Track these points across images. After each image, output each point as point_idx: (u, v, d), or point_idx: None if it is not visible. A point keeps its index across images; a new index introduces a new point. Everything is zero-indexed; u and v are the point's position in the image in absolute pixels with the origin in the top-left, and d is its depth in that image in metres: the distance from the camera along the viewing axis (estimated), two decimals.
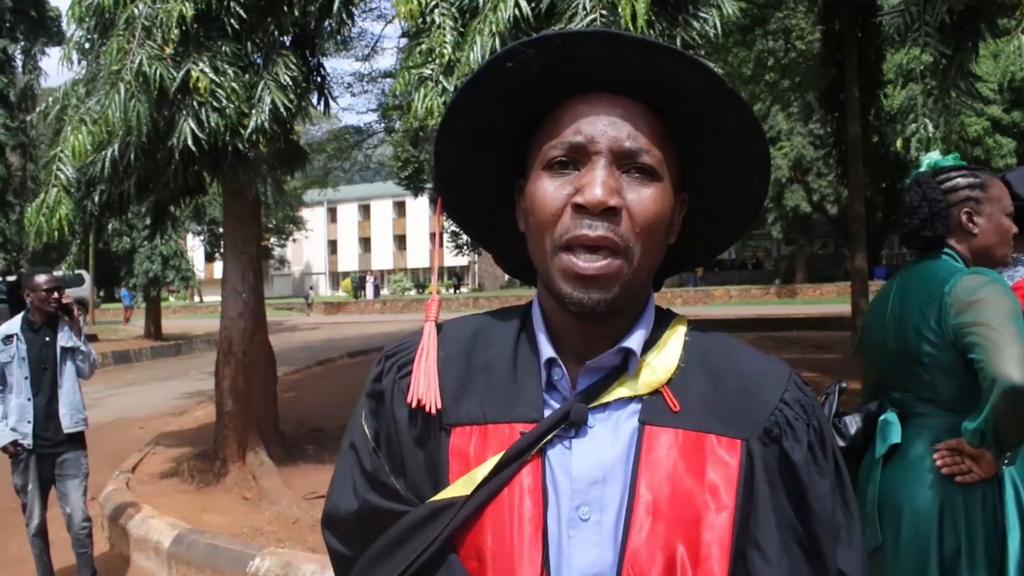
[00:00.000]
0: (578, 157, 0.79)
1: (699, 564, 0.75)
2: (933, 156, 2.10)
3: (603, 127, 0.78)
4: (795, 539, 0.80)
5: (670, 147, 0.82)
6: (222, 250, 7.07)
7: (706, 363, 0.85)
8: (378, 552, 0.82)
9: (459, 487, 0.79)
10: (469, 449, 0.81)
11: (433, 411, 0.82)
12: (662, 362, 0.83)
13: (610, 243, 0.76)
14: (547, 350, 0.83)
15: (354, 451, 0.88)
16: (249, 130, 4.36)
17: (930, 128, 5.33)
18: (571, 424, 0.79)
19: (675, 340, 0.86)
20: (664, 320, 0.88)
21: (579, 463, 0.78)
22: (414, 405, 0.83)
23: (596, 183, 0.76)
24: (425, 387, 0.83)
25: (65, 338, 4.18)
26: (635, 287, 0.80)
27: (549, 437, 0.79)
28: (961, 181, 1.98)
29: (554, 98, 0.82)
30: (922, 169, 2.08)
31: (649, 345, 0.84)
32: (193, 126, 4.27)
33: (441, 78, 3.72)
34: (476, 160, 0.89)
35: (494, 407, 0.82)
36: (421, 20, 3.87)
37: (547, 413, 0.81)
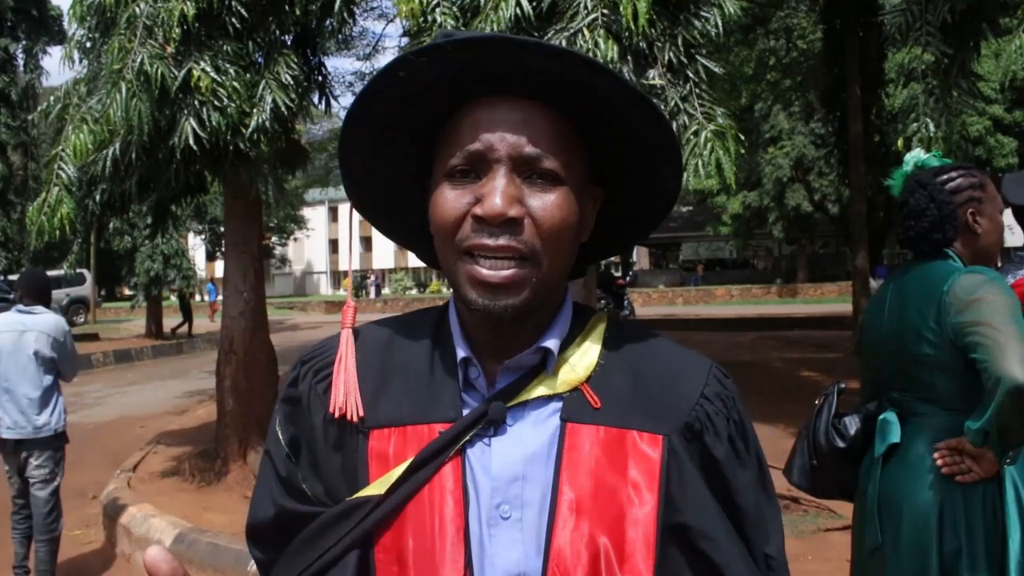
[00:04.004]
0: (478, 165, 0.77)
1: (625, 560, 0.75)
2: (918, 155, 2.09)
3: (502, 133, 0.77)
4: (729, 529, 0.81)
5: (576, 147, 0.81)
6: (223, 249, 7.07)
7: (626, 359, 0.85)
8: (292, 551, 0.82)
9: (375, 487, 0.78)
10: (389, 451, 0.80)
11: (355, 419, 0.81)
12: (581, 360, 0.83)
13: (513, 252, 0.75)
14: (462, 350, 0.82)
15: (269, 457, 0.87)
16: (250, 129, 4.36)
17: (931, 127, 5.33)
18: (490, 423, 0.78)
19: (594, 338, 0.86)
20: (583, 318, 0.88)
21: (498, 461, 0.78)
22: (336, 415, 0.82)
23: (496, 193, 0.75)
24: (344, 396, 0.82)
25: None
26: (545, 290, 0.79)
27: (468, 436, 0.78)
28: (963, 182, 1.98)
29: (454, 103, 0.81)
30: (908, 168, 2.07)
31: (568, 343, 0.84)
32: (194, 125, 4.27)
33: None
34: (382, 167, 0.89)
35: (412, 408, 0.81)
36: (422, 19, 3.87)
37: (465, 412, 0.80)
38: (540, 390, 0.81)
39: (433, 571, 0.75)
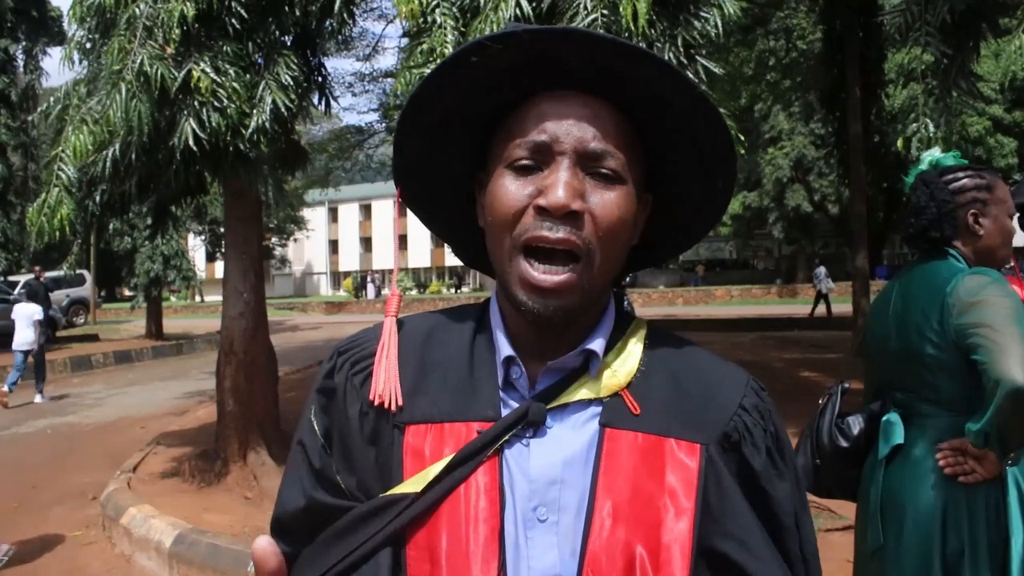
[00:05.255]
0: (542, 157, 0.77)
1: (660, 568, 0.74)
2: (934, 154, 2.09)
3: (568, 127, 0.77)
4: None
5: (636, 149, 0.82)
6: (223, 250, 7.07)
7: (666, 367, 0.84)
8: (321, 544, 0.81)
9: (410, 484, 0.77)
10: (424, 448, 0.79)
11: (394, 408, 0.81)
12: (622, 365, 0.83)
13: (571, 246, 0.75)
14: (505, 348, 0.82)
15: (302, 448, 0.86)
16: (250, 130, 4.36)
17: (931, 128, 5.33)
18: (529, 424, 0.78)
19: (635, 343, 0.85)
20: (624, 323, 0.88)
21: (537, 463, 0.77)
22: (376, 403, 0.81)
23: (559, 185, 0.75)
24: (385, 384, 0.82)
25: None
26: (594, 293, 0.79)
27: (507, 437, 0.77)
28: (968, 182, 1.97)
29: (521, 94, 0.81)
30: (923, 167, 2.07)
31: (609, 348, 0.83)
32: (194, 126, 4.27)
33: None
34: (436, 153, 0.88)
35: (450, 405, 0.81)
36: (422, 20, 3.87)
37: (504, 412, 0.79)
38: (582, 393, 0.80)
39: (466, 570, 0.74)
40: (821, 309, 19.56)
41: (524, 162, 0.78)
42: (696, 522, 0.76)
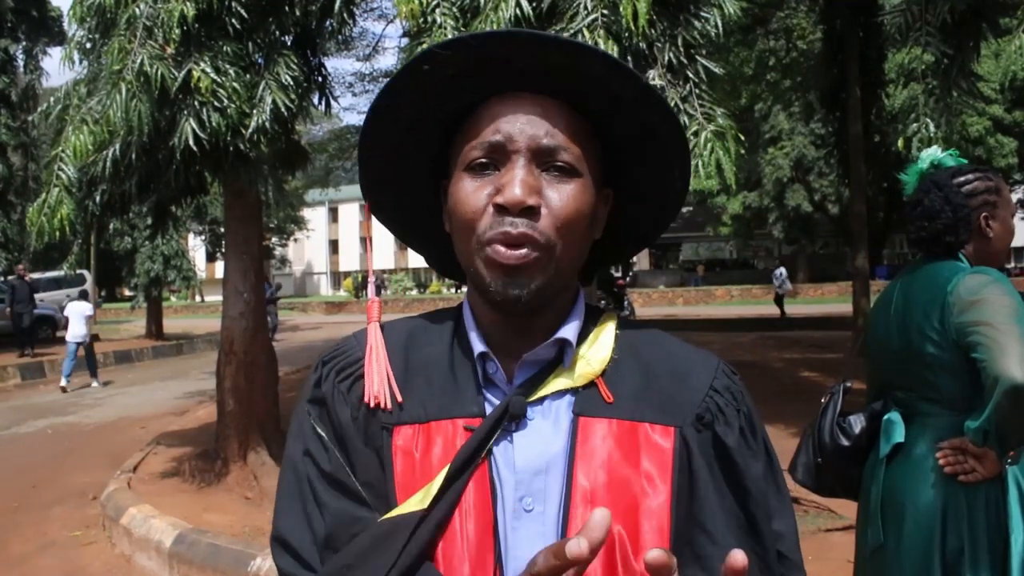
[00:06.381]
0: (497, 157, 0.80)
1: (639, 549, 0.76)
2: (933, 153, 2.08)
3: (521, 126, 0.79)
4: (735, 522, 0.82)
5: (591, 143, 0.84)
6: (223, 250, 7.07)
7: (637, 355, 0.87)
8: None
9: (414, 503, 0.77)
10: (414, 448, 0.81)
11: (391, 407, 0.83)
12: (596, 354, 0.85)
13: (531, 240, 0.77)
14: (478, 345, 0.84)
15: (309, 457, 0.85)
16: (250, 130, 4.36)
17: (931, 128, 5.33)
18: (511, 418, 0.80)
19: (607, 333, 0.88)
20: (594, 316, 0.90)
21: (521, 455, 0.79)
22: (372, 404, 0.83)
23: (515, 182, 0.77)
24: (379, 385, 0.83)
25: None
26: (559, 280, 0.81)
27: (495, 436, 0.79)
28: (979, 185, 1.97)
29: (475, 99, 0.83)
30: (923, 167, 2.06)
31: (582, 338, 0.86)
32: (194, 126, 4.27)
33: None
34: (401, 165, 0.90)
35: (435, 405, 0.83)
36: (422, 20, 3.87)
37: (487, 407, 0.82)
38: (558, 383, 0.82)
39: (461, 566, 0.75)
40: (783, 309, 19.43)
41: (481, 161, 0.80)
42: (673, 502, 0.79)
